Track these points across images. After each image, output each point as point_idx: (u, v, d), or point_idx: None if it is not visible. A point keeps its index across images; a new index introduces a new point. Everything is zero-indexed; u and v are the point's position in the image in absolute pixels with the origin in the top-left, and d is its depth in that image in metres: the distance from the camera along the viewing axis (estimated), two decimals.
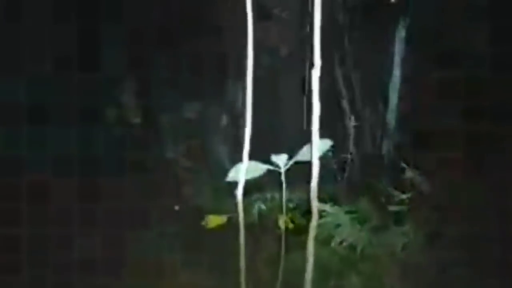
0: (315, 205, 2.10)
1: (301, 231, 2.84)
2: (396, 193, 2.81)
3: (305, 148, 2.87)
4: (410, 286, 2.43)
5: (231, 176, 2.89)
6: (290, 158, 2.88)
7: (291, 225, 2.83)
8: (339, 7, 4.05)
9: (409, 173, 2.73)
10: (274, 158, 2.91)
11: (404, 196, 2.76)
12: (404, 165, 2.78)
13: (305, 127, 4.18)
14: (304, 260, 2.59)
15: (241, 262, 2.57)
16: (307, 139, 3.30)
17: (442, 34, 3.56)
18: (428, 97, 3.56)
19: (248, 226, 2.91)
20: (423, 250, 2.60)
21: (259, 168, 2.89)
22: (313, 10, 2.15)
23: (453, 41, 3.48)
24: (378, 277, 2.56)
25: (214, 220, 2.82)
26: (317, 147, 2.24)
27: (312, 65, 4.01)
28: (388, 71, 3.79)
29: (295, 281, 2.45)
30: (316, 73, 2.19)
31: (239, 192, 2.64)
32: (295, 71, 4.47)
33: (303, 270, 2.50)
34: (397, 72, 3.78)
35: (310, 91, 4.12)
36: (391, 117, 3.75)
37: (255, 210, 3.15)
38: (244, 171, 2.64)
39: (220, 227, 2.78)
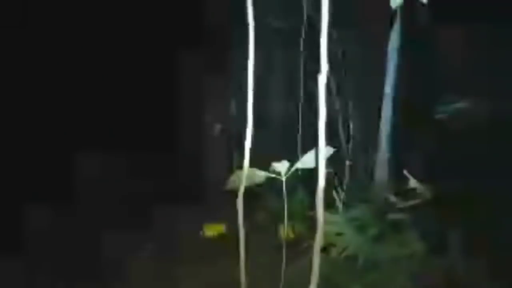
0: (321, 214, 2.01)
1: (301, 240, 2.77)
2: (397, 201, 2.78)
3: (308, 155, 2.78)
4: None
5: (230, 183, 2.78)
6: (291, 165, 2.78)
7: (291, 235, 2.76)
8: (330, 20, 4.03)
9: (412, 182, 2.69)
10: (275, 165, 2.82)
11: (405, 204, 2.72)
12: (406, 173, 2.75)
13: (299, 134, 4.15)
14: (303, 270, 2.47)
15: (241, 272, 2.46)
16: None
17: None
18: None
19: (247, 235, 2.79)
20: (427, 258, 2.57)
21: (259, 176, 2.78)
22: (320, 15, 2.09)
23: None
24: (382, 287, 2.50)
25: (211, 229, 2.72)
26: (323, 154, 2.15)
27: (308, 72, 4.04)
28: (381, 83, 3.76)
29: None
30: (322, 79, 2.11)
31: (240, 200, 2.52)
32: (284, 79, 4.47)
33: (302, 281, 2.39)
34: (390, 81, 3.75)
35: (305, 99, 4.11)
36: (385, 127, 3.69)
37: (253, 219, 3.07)
38: (244, 178, 2.52)
39: (218, 236, 2.69)
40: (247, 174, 2.78)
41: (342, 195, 3.12)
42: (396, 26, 3.73)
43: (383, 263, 2.62)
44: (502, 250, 2.53)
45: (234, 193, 2.88)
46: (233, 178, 2.81)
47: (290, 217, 2.90)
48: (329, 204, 3.21)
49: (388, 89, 3.71)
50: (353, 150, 3.77)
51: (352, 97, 4.13)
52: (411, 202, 2.68)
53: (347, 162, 3.42)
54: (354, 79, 4.14)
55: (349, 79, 4.17)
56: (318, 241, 2.12)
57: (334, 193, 3.14)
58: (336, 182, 3.25)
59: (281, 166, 2.82)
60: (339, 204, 3.01)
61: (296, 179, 3.15)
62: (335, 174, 3.29)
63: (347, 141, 3.70)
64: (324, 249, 2.81)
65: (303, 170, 2.83)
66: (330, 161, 3.33)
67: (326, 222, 2.91)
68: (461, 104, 3.29)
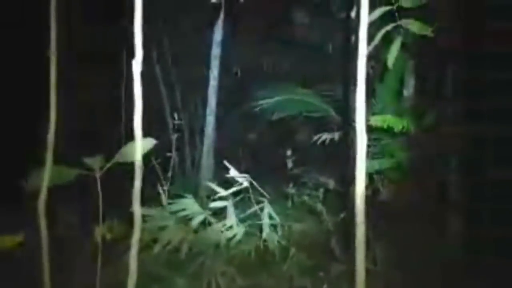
0: (137, 211, 1.89)
1: (121, 240, 2.59)
2: (218, 189, 2.86)
3: (126, 148, 2.58)
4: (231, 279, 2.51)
5: (31, 182, 2.38)
6: (107, 160, 2.55)
7: (109, 235, 2.55)
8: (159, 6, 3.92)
9: (231, 171, 2.81)
10: (88, 160, 2.53)
11: (226, 192, 2.83)
12: (226, 163, 2.86)
13: (123, 126, 3.89)
14: (121, 271, 2.30)
15: (46, 283, 2.15)
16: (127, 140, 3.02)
17: None
18: None
19: (58, 241, 2.46)
20: (245, 239, 2.73)
21: (68, 173, 2.46)
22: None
23: None
24: (203, 275, 2.55)
25: (6, 240, 2.29)
26: (140, 147, 2.01)
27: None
28: (207, 72, 3.80)
29: None
30: (137, 65, 1.97)
31: (41, 202, 2.18)
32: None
33: (120, 284, 2.22)
34: (214, 74, 3.80)
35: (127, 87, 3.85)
36: (210, 118, 3.74)
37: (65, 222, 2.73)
38: (47, 176, 2.19)
39: (16, 247, 2.29)
40: (53, 172, 2.43)
41: (167, 187, 3.05)
42: (219, 20, 3.81)
43: (206, 251, 2.67)
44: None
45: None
46: (34, 176, 2.43)
47: (110, 216, 2.69)
48: (155, 198, 3.11)
49: (213, 81, 3.78)
50: (181, 141, 3.73)
51: (180, 88, 4.08)
52: (231, 190, 2.79)
53: (172, 154, 3.36)
54: (183, 70, 4.09)
55: (179, 70, 4.10)
56: (135, 241, 1.99)
57: (158, 186, 3.05)
58: (160, 174, 3.16)
59: (94, 162, 2.57)
60: (163, 197, 2.94)
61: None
62: (160, 165, 3.19)
63: (174, 132, 3.64)
64: (147, 246, 2.70)
65: (127, 164, 2.63)
66: (158, 152, 3.22)
67: (148, 217, 2.81)
68: (276, 99, 3.58)
